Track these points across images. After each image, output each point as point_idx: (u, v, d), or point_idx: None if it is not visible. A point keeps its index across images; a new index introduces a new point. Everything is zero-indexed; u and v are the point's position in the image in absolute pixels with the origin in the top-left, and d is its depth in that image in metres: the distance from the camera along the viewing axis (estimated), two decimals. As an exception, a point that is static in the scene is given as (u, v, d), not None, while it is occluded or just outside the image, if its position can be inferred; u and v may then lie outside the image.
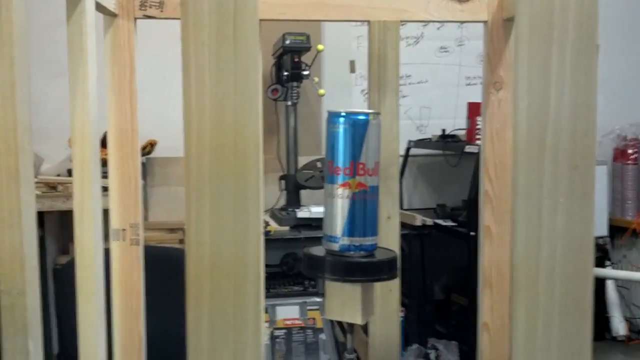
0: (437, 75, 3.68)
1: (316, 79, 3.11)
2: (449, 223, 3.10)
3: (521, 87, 0.48)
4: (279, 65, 3.11)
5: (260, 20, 0.50)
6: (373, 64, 1.07)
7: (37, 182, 2.91)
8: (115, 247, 1.08)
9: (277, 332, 2.70)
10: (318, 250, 0.82)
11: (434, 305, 3.13)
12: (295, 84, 3.05)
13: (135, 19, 1.03)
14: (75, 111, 0.90)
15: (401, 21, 1.06)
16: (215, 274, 0.50)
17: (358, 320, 0.79)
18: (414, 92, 3.65)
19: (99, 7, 0.95)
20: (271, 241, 2.74)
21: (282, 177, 3.16)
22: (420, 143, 3.47)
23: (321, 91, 3.14)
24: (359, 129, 0.79)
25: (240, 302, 0.51)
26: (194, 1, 0.49)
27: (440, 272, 3.36)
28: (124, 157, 1.06)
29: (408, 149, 3.50)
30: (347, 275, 0.79)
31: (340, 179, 0.79)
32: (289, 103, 3.10)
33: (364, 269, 0.79)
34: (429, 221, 2.96)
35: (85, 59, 0.89)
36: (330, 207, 0.80)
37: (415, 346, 2.93)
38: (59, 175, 3.13)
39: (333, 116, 0.80)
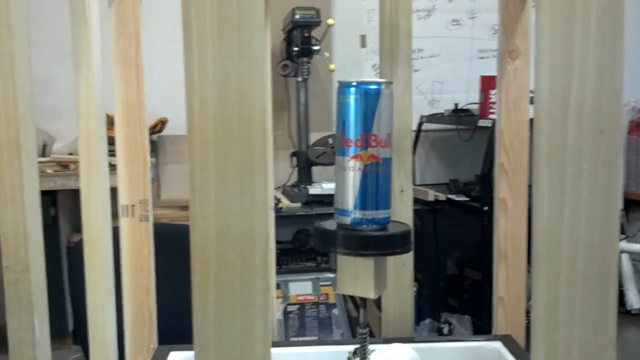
0: (449, 49, 3.62)
1: (327, 54, 3.07)
2: (462, 198, 3.07)
3: (543, 46, 0.45)
4: (289, 41, 3.08)
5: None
6: (384, 34, 1.04)
7: (49, 161, 2.92)
8: (124, 223, 1.07)
9: (290, 308, 2.71)
10: (330, 225, 0.80)
11: (447, 280, 3.13)
12: (305, 59, 3.02)
13: (140, -11, 1.01)
14: (79, 85, 0.87)
15: (413, -12, 1.03)
16: (221, 247, 0.48)
17: (371, 294, 0.77)
18: (426, 66, 3.60)
19: (102, -22, 0.93)
20: (283, 218, 2.73)
21: (293, 154, 3.14)
22: (433, 118, 3.43)
23: (332, 66, 3.11)
24: (370, 99, 0.76)
25: (248, 276, 0.49)
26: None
27: (453, 247, 3.35)
28: (132, 132, 1.04)
29: (420, 124, 3.47)
30: (360, 249, 0.77)
31: (351, 151, 0.77)
32: (300, 79, 3.07)
33: (376, 243, 0.77)
34: (442, 196, 2.93)
35: (88, 31, 0.87)
36: (342, 180, 0.78)
37: (428, 321, 2.93)
38: (71, 154, 3.12)
39: (344, 86, 0.77)
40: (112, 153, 1.02)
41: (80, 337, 2.01)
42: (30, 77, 0.66)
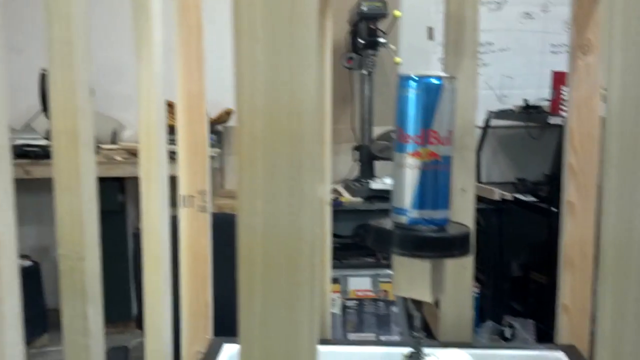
0: (520, 43, 3.51)
1: (393, 47, 3.03)
2: (530, 198, 2.98)
3: (615, 39, 0.42)
4: (354, 33, 3.04)
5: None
6: (450, 25, 1.01)
7: (118, 149, 2.99)
8: (183, 213, 1.07)
9: (348, 303, 2.69)
10: (386, 223, 0.78)
11: (511, 282, 3.04)
12: (370, 52, 2.98)
13: (203, -20, 1.01)
14: (140, 75, 0.88)
15: (482, -21, 0.99)
16: (267, 246, 0.47)
17: (427, 298, 0.75)
18: (496, 60, 3.49)
19: (166, -32, 0.93)
20: (344, 212, 2.71)
21: (356, 148, 3.11)
22: (501, 114, 3.33)
23: (397, 59, 3.05)
24: (431, 94, 0.73)
25: (294, 278, 0.47)
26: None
27: (518, 249, 3.25)
28: (192, 122, 1.05)
29: (488, 120, 3.37)
30: (416, 250, 0.74)
31: (410, 148, 0.74)
32: (364, 72, 3.04)
33: (433, 244, 0.74)
34: (508, 196, 2.85)
35: (150, 21, 0.87)
36: (399, 178, 0.75)
37: (489, 323, 2.86)
38: (138, 143, 3.19)
39: (404, 80, 0.75)
40: (172, 142, 1.03)
41: (143, 322, 2.07)
42: (89, 65, 0.66)
